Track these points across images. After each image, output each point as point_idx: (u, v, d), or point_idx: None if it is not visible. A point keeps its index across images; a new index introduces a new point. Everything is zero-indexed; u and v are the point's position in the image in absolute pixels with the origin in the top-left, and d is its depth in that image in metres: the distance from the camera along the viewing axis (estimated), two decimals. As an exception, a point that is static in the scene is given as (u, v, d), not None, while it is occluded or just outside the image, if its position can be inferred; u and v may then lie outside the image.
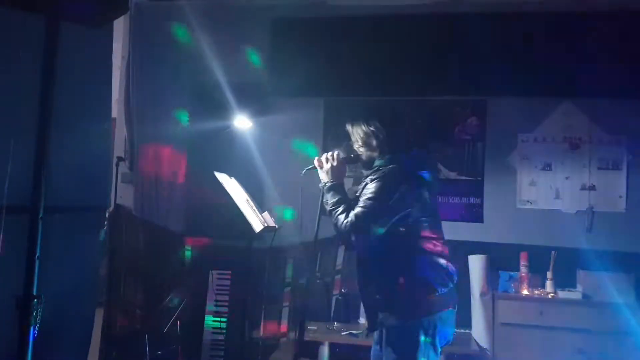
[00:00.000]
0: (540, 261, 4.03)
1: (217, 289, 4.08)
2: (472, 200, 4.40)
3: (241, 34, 4.53)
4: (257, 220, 3.37)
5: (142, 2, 4.15)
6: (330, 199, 2.44)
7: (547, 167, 4.35)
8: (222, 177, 3.40)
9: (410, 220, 2.36)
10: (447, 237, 2.50)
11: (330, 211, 2.42)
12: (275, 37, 4.67)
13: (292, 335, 3.97)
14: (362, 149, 2.51)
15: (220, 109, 4.35)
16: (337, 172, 2.49)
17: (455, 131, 4.47)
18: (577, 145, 4.31)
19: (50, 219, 1.64)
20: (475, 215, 4.39)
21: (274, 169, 4.42)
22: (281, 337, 4.15)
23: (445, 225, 2.53)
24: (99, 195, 3.33)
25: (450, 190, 4.40)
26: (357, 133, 2.51)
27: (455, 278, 2.44)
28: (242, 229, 3.37)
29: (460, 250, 3.81)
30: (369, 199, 2.34)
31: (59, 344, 2.81)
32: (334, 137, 4.60)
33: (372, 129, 2.47)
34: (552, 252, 4.02)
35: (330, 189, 2.46)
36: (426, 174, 2.43)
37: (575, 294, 3.88)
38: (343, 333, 3.67)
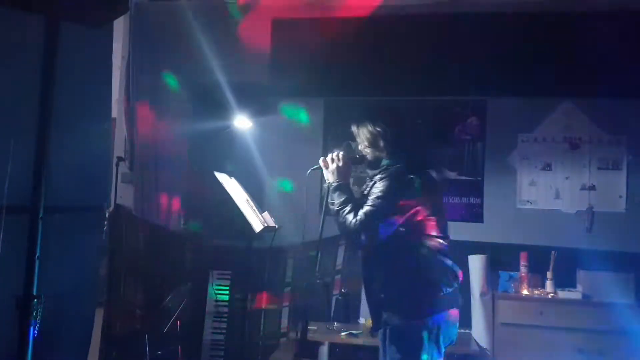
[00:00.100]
0: (540, 261, 4.03)
1: (217, 289, 4.08)
2: (472, 200, 4.40)
3: (241, 34, 4.53)
4: (257, 220, 3.37)
5: (142, 2, 4.15)
6: (336, 198, 2.44)
7: (547, 167, 4.35)
8: (222, 177, 3.40)
9: (418, 219, 2.37)
10: (448, 237, 2.50)
11: (337, 211, 2.42)
12: (275, 37, 4.67)
13: (292, 335, 3.97)
14: (368, 150, 2.52)
15: (220, 109, 4.35)
16: (343, 172, 2.49)
17: (455, 131, 4.47)
18: (577, 145, 4.31)
19: (50, 219, 1.64)
20: (475, 215, 4.38)
21: (274, 169, 4.43)
22: (281, 337, 4.15)
23: (446, 225, 2.53)
24: (99, 195, 3.33)
25: (450, 190, 4.39)
26: (363, 134, 2.53)
27: (461, 278, 2.45)
28: (242, 229, 3.37)
29: (461, 250, 3.81)
30: (378, 197, 2.35)
31: (59, 344, 2.81)
32: (334, 137, 4.60)
33: (378, 129, 2.48)
34: (552, 252, 4.02)
35: (336, 188, 2.46)
36: (433, 173, 2.45)
37: (575, 294, 3.88)
38: (343, 333, 3.67)
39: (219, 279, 4.13)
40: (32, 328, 1.56)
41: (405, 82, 4.41)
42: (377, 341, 3.44)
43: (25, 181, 1.64)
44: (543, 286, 4.01)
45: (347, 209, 2.38)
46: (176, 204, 4.50)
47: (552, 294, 3.93)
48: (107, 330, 3.78)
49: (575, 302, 3.85)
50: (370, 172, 2.54)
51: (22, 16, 1.76)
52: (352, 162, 2.55)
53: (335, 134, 4.61)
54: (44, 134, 1.62)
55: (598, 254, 3.87)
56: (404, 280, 2.37)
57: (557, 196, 4.32)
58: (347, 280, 4.17)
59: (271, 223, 3.46)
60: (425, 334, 2.31)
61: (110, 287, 3.85)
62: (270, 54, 4.64)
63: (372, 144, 2.50)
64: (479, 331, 3.84)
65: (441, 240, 2.42)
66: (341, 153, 2.52)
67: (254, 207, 3.43)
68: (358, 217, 2.33)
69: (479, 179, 4.41)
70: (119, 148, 4.14)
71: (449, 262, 2.42)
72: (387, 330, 2.41)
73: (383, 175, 2.40)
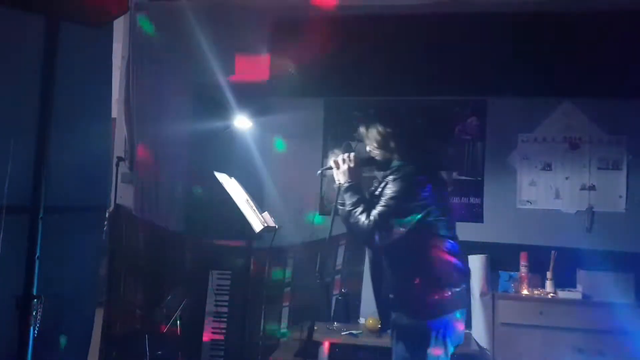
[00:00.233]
0: (540, 261, 4.03)
1: (217, 289, 4.08)
2: (472, 200, 4.40)
3: (241, 34, 4.53)
4: (257, 220, 3.37)
5: (142, 2, 4.14)
6: (348, 199, 2.45)
7: (547, 167, 4.35)
8: (222, 177, 3.40)
9: (429, 219, 2.38)
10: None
11: (349, 211, 2.42)
12: (275, 37, 4.67)
13: (294, 335, 3.97)
14: (377, 151, 2.53)
15: (220, 109, 4.35)
16: (354, 173, 2.50)
17: (455, 131, 4.47)
18: (577, 145, 4.31)
19: (50, 219, 1.64)
20: (475, 215, 4.38)
21: (274, 169, 4.43)
22: (281, 337, 4.15)
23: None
24: (99, 195, 3.33)
25: (450, 191, 4.40)
26: (372, 136, 2.54)
27: (469, 278, 2.46)
28: (242, 229, 3.37)
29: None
30: (391, 198, 2.36)
31: (59, 344, 2.81)
32: (334, 137, 4.61)
33: (389, 130, 2.49)
34: (552, 252, 4.02)
35: (348, 189, 2.47)
36: (443, 174, 2.47)
37: (575, 294, 3.88)
38: (343, 333, 3.67)
39: (219, 279, 4.13)
40: (32, 328, 1.56)
41: (405, 82, 4.42)
42: (377, 341, 3.48)
43: (25, 181, 1.64)
44: (543, 286, 4.01)
45: (360, 209, 2.39)
46: (176, 204, 4.50)
47: (552, 294, 3.93)
48: (107, 330, 3.78)
49: (575, 302, 3.85)
50: (380, 173, 2.55)
51: (22, 16, 1.76)
52: (362, 164, 2.56)
53: (335, 134, 4.61)
54: (44, 134, 1.62)
55: (598, 254, 3.87)
56: (413, 281, 2.38)
57: (557, 196, 4.32)
58: (347, 280, 4.17)
59: (271, 223, 3.46)
60: (433, 334, 2.33)
61: (110, 287, 3.84)
62: (270, 54, 4.64)
63: (382, 145, 2.51)
64: (479, 331, 3.84)
65: (450, 241, 2.44)
66: (352, 154, 2.53)
67: (254, 207, 3.43)
68: (371, 218, 2.34)
69: (479, 179, 4.41)
70: (119, 148, 4.14)
71: (458, 262, 2.44)
72: (395, 330, 2.43)
73: (395, 176, 2.41)
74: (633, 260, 3.92)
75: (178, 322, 3.79)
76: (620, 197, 4.21)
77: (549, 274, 4.00)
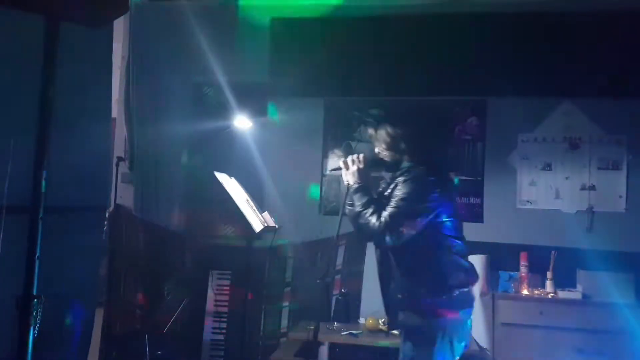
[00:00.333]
0: (540, 261, 4.03)
1: (217, 289, 4.08)
2: (472, 200, 4.40)
3: (241, 34, 4.53)
4: (257, 220, 3.37)
5: (142, 2, 4.14)
6: (357, 200, 2.46)
7: (547, 167, 4.35)
8: (222, 177, 3.41)
9: (438, 220, 2.40)
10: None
11: (360, 212, 2.43)
12: (275, 37, 4.67)
13: (292, 335, 3.96)
14: (386, 152, 2.54)
15: (220, 109, 4.35)
16: (363, 174, 2.51)
17: (455, 131, 4.47)
18: (577, 145, 4.31)
19: (50, 219, 1.64)
20: (475, 215, 4.38)
21: (274, 169, 4.43)
22: (281, 337, 4.15)
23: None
24: (99, 195, 3.33)
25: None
26: (382, 137, 2.54)
27: (476, 279, 2.47)
28: (242, 229, 3.37)
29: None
30: (402, 199, 2.37)
31: (59, 344, 2.81)
32: (334, 137, 4.61)
33: (399, 132, 2.50)
34: (552, 252, 4.02)
35: (357, 190, 2.48)
36: (452, 175, 2.48)
37: (575, 294, 3.88)
38: (343, 333, 3.67)
39: (219, 279, 4.13)
40: (32, 328, 1.56)
41: (405, 82, 4.42)
42: (376, 341, 3.48)
43: (25, 181, 1.63)
44: (543, 286, 4.01)
45: (370, 210, 2.40)
46: (176, 204, 4.50)
47: (552, 294, 3.93)
48: (107, 330, 3.78)
49: (575, 302, 3.85)
50: (389, 174, 2.56)
51: (22, 16, 1.75)
52: (371, 165, 2.57)
53: (335, 134, 4.62)
54: (44, 134, 1.62)
55: (598, 254, 3.87)
56: (422, 281, 2.40)
57: (557, 196, 4.32)
58: (347, 280, 4.17)
59: (271, 223, 3.46)
60: (440, 334, 2.35)
61: (110, 287, 3.84)
62: (270, 54, 4.65)
63: (392, 146, 2.52)
64: (479, 331, 3.84)
65: (459, 241, 2.46)
66: (362, 155, 2.54)
67: (254, 207, 3.43)
68: (382, 219, 2.35)
69: (479, 179, 4.41)
70: (119, 148, 4.14)
71: (466, 262, 2.46)
72: (403, 329, 2.46)
73: (406, 178, 2.42)
74: (633, 260, 3.92)
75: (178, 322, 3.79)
76: (620, 197, 4.21)
77: (549, 274, 4.00)
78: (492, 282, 3.97)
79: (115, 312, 3.85)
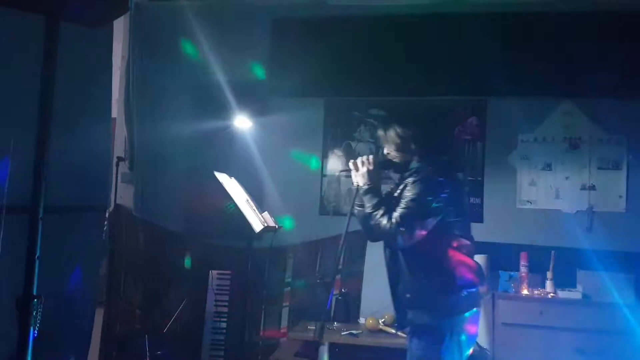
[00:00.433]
0: (540, 261, 4.02)
1: (217, 289, 4.08)
2: (472, 200, 4.40)
3: (241, 34, 4.53)
4: (257, 220, 3.37)
5: (142, 2, 4.14)
6: (368, 201, 2.46)
7: (547, 167, 4.35)
8: (222, 177, 3.41)
9: (448, 220, 2.40)
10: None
11: (370, 214, 2.43)
12: (275, 37, 4.67)
13: (292, 335, 3.97)
14: (395, 153, 2.55)
15: (220, 109, 4.35)
16: (373, 175, 2.51)
17: (455, 131, 4.47)
18: (577, 145, 4.31)
19: (50, 219, 1.63)
20: (475, 215, 4.38)
21: (274, 169, 4.43)
22: (281, 337, 4.16)
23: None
24: (99, 195, 3.33)
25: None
26: (391, 138, 2.54)
27: (483, 278, 2.49)
28: (242, 229, 3.37)
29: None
30: (412, 200, 2.37)
31: (59, 344, 2.81)
32: (334, 137, 4.61)
33: (410, 132, 2.51)
34: (552, 252, 4.01)
35: (367, 191, 2.48)
36: (461, 175, 2.49)
37: (575, 294, 3.88)
38: (343, 333, 3.67)
39: (219, 279, 4.13)
40: (32, 328, 1.56)
41: (405, 82, 4.41)
42: (376, 341, 3.49)
43: (25, 181, 1.63)
44: (543, 286, 4.01)
45: (381, 212, 2.40)
46: (176, 204, 4.51)
47: (552, 294, 3.93)
48: (107, 330, 3.78)
49: (575, 302, 3.84)
50: (397, 175, 2.57)
51: (22, 16, 1.75)
52: (380, 166, 2.58)
53: (335, 134, 4.62)
54: (44, 134, 1.61)
55: (598, 254, 3.87)
56: (431, 281, 2.41)
57: (557, 196, 4.31)
58: (347, 280, 4.17)
59: (271, 223, 3.46)
60: (448, 333, 2.36)
61: (110, 287, 3.85)
62: (270, 54, 4.65)
63: (401, 147, 2.53)
64: (479, 331, 3.84)
65: (467, 241, 2.46)
66: (371, 156, 2.54)
67: (254, 207, 3.43)
68: (393, 220, 2.35)
69: (479, 179, 4.41)
70: (119, 148, 4.14)
71: (473, 262, 2.46)
72: (412, 328, 2.48)
73: (415, 178, 2.42)
74: (633, 260, 3.92)
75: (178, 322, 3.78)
76: (620, 197, 4.21)
77: (549, 274, 4.00)
78: (492, 282, 3.97)
79: (115, 312, 3.85)
